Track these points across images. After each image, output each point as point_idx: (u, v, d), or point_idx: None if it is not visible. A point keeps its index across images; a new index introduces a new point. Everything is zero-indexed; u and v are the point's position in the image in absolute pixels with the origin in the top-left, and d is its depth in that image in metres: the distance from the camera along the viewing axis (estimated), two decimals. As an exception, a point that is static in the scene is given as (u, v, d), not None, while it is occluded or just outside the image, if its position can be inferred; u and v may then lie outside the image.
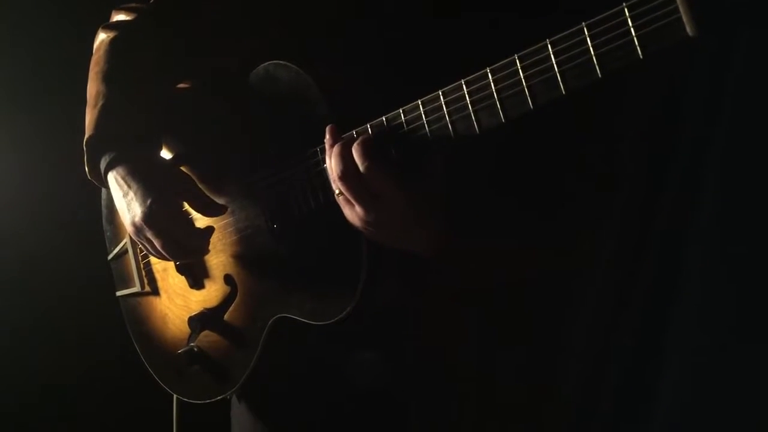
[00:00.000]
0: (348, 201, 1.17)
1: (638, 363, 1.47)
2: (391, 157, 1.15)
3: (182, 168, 1.51)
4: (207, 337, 1.51)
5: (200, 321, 1.50)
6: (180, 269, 1.55)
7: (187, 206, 1.46)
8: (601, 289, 1.44)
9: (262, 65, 1.34)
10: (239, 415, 1.57)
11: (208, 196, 1.46)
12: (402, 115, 1.14)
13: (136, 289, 1.65)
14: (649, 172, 1.40)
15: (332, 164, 1.16)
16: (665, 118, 1.37)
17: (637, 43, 0.90)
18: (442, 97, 1.10)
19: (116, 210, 1.48)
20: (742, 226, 1.38)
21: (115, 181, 1.43)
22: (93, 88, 1.50)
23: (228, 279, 1.48)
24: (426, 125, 1.12)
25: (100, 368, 2.58)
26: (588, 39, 0.94)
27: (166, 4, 1.57)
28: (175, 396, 1.66)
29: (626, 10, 0.90)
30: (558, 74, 0.97)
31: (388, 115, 1.16)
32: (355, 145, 1.14)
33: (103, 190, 1.67)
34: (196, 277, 1.54)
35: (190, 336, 1.52)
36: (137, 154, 1.44)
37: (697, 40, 0.85)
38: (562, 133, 1.20)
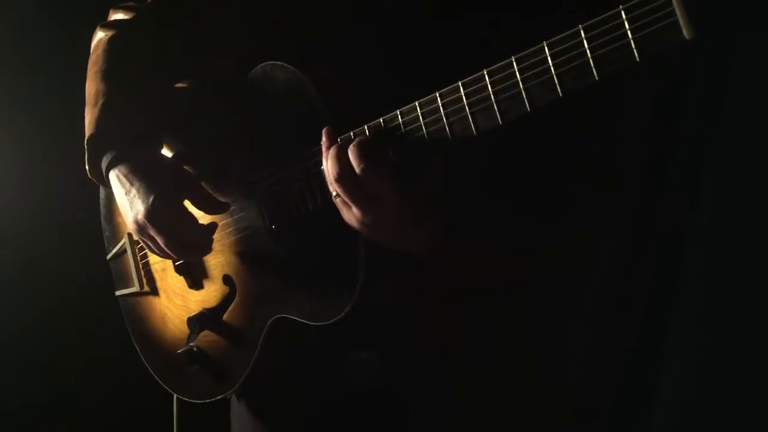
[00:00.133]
0: (345, 203, 1.17)
1: (638, 363, 1.46)
2: (388, 158, 1.15)
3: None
4: (206, 337, 1.51)
5: (199, 321, 1.50)
6: (179, 269, 1.55)
7: (188, 204, 1.46)
8: (601, 290, 1.44)
9: (260, 65, 1.33)
10: (239, 414, 1.57)
11: (211, 194, 1.46)
12: (399, 116, 1.14)
13: (135, 288, 1.65)
14: (648, 172, 1.39)
15: (329, 166, 1.16)
16: (665, 118, 1.37)
17: (633, 45, 0.89)
18: (439, 99, 1.09)
19: (115, 209, 1.48)
20: (742, 227, 1.37)
21: (117, 179, 1.42)
22: (92, 87, 1.50)
23: (227, 279, 1.48)
24: (423, 127, 1.12)
25: (100, 368, 2.58)
26: (585, 41, 0.93)
27: (164, 4, 1.56)
28: (175, 396, 1.66)
29: (623, 12, 0.89)
30: (555, 77, 0.97)
31: (386, 116, 1.15)
32: (351, 147, 1.14)
33: (101, 189, 1.67)
34: (195, 277, 1.54)
35: (189, 336, 1.52)
36: (139, 152, 1.43)
37: (694, 43, 0.84)
38: (561, 133, 1.19)
